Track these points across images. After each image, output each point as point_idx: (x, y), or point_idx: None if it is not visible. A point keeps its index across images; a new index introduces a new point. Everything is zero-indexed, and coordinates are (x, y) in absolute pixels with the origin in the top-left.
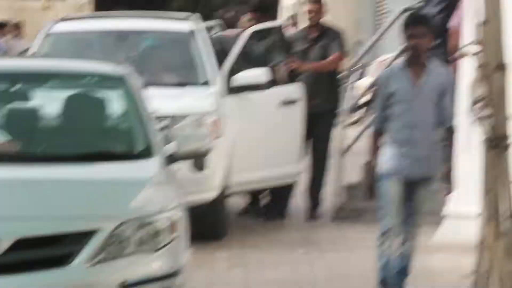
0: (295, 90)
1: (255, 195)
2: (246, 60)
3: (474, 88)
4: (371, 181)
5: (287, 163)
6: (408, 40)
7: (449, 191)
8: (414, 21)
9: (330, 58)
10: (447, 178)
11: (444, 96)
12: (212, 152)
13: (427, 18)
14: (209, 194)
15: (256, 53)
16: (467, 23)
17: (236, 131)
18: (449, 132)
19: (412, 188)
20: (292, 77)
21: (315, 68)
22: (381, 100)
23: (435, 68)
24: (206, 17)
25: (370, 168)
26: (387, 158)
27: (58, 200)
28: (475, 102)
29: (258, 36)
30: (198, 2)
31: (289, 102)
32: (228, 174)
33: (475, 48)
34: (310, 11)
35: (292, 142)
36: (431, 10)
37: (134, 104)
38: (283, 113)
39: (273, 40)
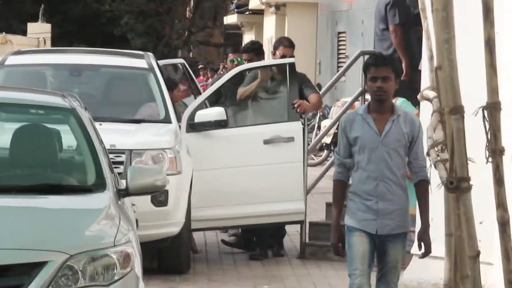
0: (291, 128)
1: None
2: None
3: (431, 132)
4: (338, 240)
5: (270, 202)
6: (370, 83)
7: (427, 251)
8: (377, 62)
9: (316, 99)
10: (424, 237)
11: (414, 145)
12: (173, 188)
13: (392, 58)
14: (172, 229)
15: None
16: (424, 68)
17: (201, 167)
18: (423, 185)
19: (383, 244)
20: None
21: (313, 108)
22: (343, 146)
23: (402, 114)
24: (166, 56)
25: (336, 225)
26: (351, 211)
27: (7, 231)
28: (432, 146)
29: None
30: (157, 43)
31: (278, 140)
32: (192, 209)
33: (432, 93)
34: (284, 56)
35: (278, 181)
36: (385, 52)
37: (85, 137)
38: (268, 151)
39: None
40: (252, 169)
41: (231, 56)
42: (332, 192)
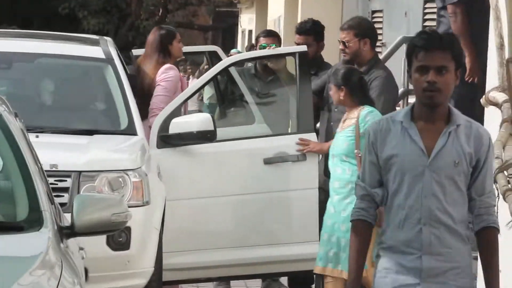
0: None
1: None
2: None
3: (499, 149)
4: None
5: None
6: (417, 75)
7: None
8: (428, 44)
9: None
10: None
11: (480, 172)
12: (137, 225)
13: (451, 40)
14: (137, 281)
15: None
16: (490, 61)
17: (177, 196)
18: (491, 235)
19: None
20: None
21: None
22: (369, 170)
23: (464, 124)
24: (131, 44)
25: None
26: (381, 272)
27: None
28: (501, 169)
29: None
30: (120, 25)
31: (284, 159)
32: (163, 254)
33: (501, 95)
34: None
35: (283, 215)
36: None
37: (14, 153)
38: (269, 174)
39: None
40: (247, 198)
41: (262, 40)
42: (350, 238)
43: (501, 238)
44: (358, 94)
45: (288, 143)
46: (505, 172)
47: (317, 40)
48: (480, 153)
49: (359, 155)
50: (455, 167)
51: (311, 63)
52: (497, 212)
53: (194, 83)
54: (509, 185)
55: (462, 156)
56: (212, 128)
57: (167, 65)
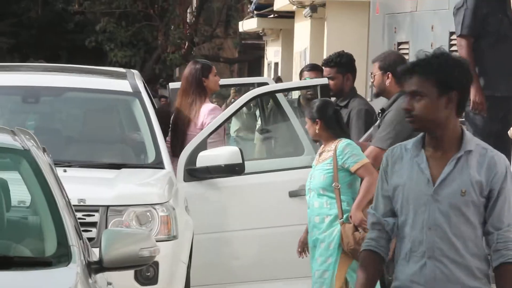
0: None
1: None
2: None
3: None
4: None
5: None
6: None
7: None
8: (409, 68)
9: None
10: None
11: (496, 203)
12: (165, 259)
13: (443, 62)
14: None
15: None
16: None
17: (205, 230)
18: (509, 272)
19: None
20: None
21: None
22: (382, 198)
23: (477, 150)
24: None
25: None
26: None
27: None
28: None
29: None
30: (147, 58)
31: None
32: None
33: None
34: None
35: None
36: None
37: (42, 188)
38: (295, 207)
39: None
40: (274, 232)
41: (306, 74)
42: (358, 270)
43: None
44: (334, 127)
45: None
46: None
47: (342, 72)
48: (493, 183)
49: (338, 187)
50: (461, 196)
51: (339, 95)
52: None
53: (219, 117)
54: None
55: (470, 185)
56: (240, 161)
57: (211, 106)
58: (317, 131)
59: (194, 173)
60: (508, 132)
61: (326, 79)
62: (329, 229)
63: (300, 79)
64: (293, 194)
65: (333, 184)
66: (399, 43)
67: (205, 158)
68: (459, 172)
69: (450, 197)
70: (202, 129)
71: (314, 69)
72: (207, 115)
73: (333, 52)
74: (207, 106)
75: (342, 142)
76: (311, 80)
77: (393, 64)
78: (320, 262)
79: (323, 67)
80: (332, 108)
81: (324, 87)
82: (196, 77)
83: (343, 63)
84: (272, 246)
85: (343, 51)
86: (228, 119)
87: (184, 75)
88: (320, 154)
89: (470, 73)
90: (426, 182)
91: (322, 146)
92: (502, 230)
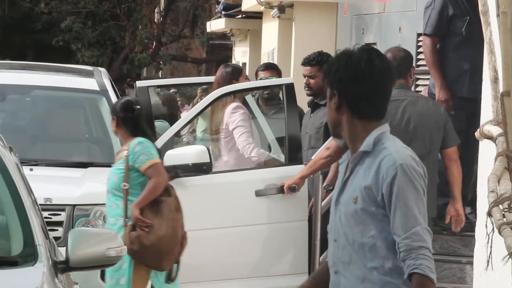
0: (291, 174)
1: None
2: None
3: (494, 183)
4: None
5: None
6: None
7: None
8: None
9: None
10: None
11: (390, 207)
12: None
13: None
14: None
15: None
16: (485, 94)
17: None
18: (415, 282)
19: None
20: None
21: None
22: None
23: (375, 151)
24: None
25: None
26: None
27: None
28: (496, 203)
29: None
30: (114, 57)
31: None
32: None
33: (496, 129)
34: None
35: (274, 247)
36: None
37: (8, 188)
38: (261, 207)
39: None
40: (238, 231)
41: (261, 74)
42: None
43: (497, 274)
44: (130, 125)
45: (279, 175)
46: (500, 206)
47: (322, 71)
48: (383, 187)
49: (126, 187)
50: (353, 204)
51: (319, 93)
52: (491, 246)
53: (185, 115)
54: (505, 219)
55: (359, 191)
56: (208, 160)
57: (234, 105)
58: (114, 128)
59: None
60: (475, 133)
61: (291, 78)
62: (120, 231)
63: (256, 79)
64: (259, 194)
65: (121, 184)
66: (367, 44)
67: (173, 157)
68: (354, 177)
69: (345, 205)
70: (227, 129)
71: (269, 68)
72: (229, 114)
73: (303, 53)
74: (231, 106)
75: (135, 141)
76: (276, 80)
77: None
78: (115, 268)
79: (303, 66)
80: (132, 106)
81: (288, 86)
82: (227, 80)
83: (324, 62)
84: (236, 245)
85: (322, 50)
86: (193, 119)
87: (215, 79)
88: (118, 153)
89: (362, 73)
90: (338, 185)
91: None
92: (401, 238)
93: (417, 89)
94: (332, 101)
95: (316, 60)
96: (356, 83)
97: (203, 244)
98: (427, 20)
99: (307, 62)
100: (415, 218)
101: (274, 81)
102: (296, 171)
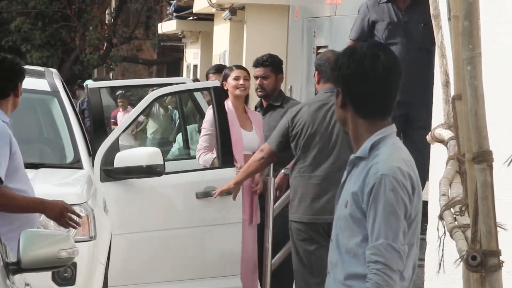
0: (226, 177)
1: None
2: None
3: (445, 186)
4: None
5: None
6: None
7: None
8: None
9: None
10: None
11: (368, 218)
12: (84, 260)
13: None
14: None
15: None
16: (436, 97)
17: (123, 230)
18: None
19: None
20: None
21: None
22: None
23: (370, 155)
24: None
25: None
26: None
27: None
28: (447, 207)
29: None
30: (64, 58)
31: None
32: None
33: (447, 132)
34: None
35: (210, 249)
36: None
37: None
38: (201, 209)
39: None
40: (182, 233)
41: (212, 77)
42: None
43: (448, 277)
44: None
45: (216, 178)
46: (451, 209)
47: (275, 72)
48: (364, 194)
49: None
50: (345, 208)
51: (271, 94)
52: (442, 250)
53: (127, 117)
54: (456, 223)
55: (350, 196)
56: (161, 162)
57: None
58: None
59: (111, 174)
60: (427, 136)
61: (217, 81)
62: None
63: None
64: (199, 196)
65: None
66: (318, 47)
67: (124, 159)
68: (349, 180)
69: (339, 208)
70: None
71: (219, 71)
72: (207, 111)
73: (254, 55)
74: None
75: None
76: (204, 82)
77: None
78: None
79: (255, 68)
80: None
81: (216, 89)
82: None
83: (276, 63)
84: (175, 247)
85: (271, 53)
86: (134, 121)
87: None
88: None
89: (365, 71)
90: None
91: None
92: (367, 248)
93: None
94: (337, 99)
95: (269, 61)
96: (359, 80)
97: (145, 246)
98: (353, 25)
99: (260, 63)
100: (380, 232)
101: (203, 83)
102: (230, 172)
